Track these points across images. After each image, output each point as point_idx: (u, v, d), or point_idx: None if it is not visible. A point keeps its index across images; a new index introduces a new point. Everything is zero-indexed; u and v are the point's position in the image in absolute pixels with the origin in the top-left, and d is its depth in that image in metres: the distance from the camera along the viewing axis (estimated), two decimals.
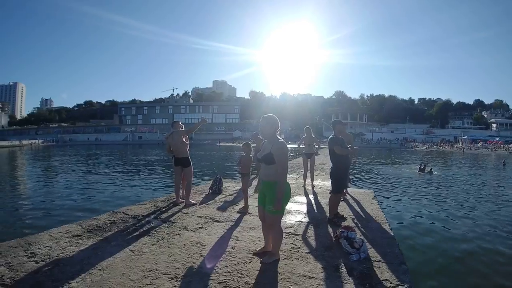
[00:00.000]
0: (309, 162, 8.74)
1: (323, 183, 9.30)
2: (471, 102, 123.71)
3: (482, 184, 15.72)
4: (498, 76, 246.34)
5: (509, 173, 21.20)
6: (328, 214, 5.50)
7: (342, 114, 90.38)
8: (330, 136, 5.47)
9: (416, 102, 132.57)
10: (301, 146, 9.18)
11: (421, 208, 9.63)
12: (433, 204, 10.34)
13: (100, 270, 3.29)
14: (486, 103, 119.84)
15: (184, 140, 6.39)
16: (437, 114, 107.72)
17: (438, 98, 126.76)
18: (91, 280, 3.07)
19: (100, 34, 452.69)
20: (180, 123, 6.70)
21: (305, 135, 8.95)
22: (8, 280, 3.02)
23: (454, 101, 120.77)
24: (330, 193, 5.58)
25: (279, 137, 3.49)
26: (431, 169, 19.45)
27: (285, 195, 3.41)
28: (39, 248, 3.81)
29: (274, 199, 3.32)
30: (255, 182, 7.91)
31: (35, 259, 3.52)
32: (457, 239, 6.86)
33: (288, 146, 3.63)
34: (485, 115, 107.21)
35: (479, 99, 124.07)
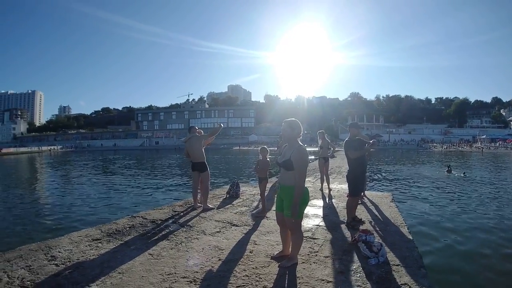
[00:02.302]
0: (324, 166, 8.71)
1: (340, 187, 9.21)
2: (489, 100, 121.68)
3: (504, 185, 15.28)
4: None
5: None
6: (345, 218, 5.45)
7: (358, 116, 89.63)
8: (346, 139, 5.42)
9: (433, 102, 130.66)
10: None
11: (442, 210, 9.39)
12: (457, 206, 10.05)
13: (120, 273, 3.33)
14: (504, 100, 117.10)
15: (204, 144, 6.45)
16: (454, 114, 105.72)
17: (455, 97, 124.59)
18: (111, 283, 3.11)
19: (116, 41, 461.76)
20: (196, 128, 6.74)
21: (320, 139, 8.93)
22: (28, 282, 3.09)
23: (472, 100, 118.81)
24: (347, 196, 5.52)
25: (300, 143, 3.46)
26: (464, 172, 18.70)
27: (303, 199, 3.38)
28: (59, 252, 3.89)
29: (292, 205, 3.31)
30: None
31: (56, 262, 3.59)
32: (479, 243, 6.65)
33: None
34: (503, 113, 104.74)
35: (497, 97, 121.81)
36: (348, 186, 5.39)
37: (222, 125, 7.20)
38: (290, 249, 3.70)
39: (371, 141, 5.51)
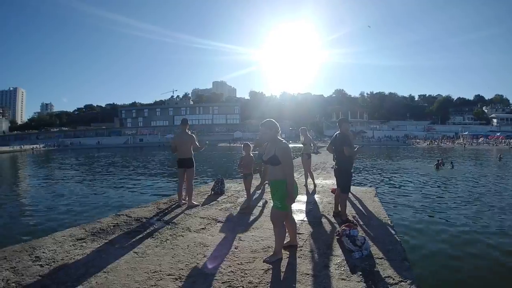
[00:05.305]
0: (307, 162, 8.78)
1: (325, 182, 9.29)
2: (471, 98, 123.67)
3: (486, 178, 15.67)
4: (498, 71, 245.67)
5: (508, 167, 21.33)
6: (329, 213, 5.54)
7: (343, 112, 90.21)
8: (339, 134, 5.34)
9: (416, 99, 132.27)
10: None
11: (426, 204, 9.58)
12: (439, 200, 10.26)
13: (104, 272, 3.31)
14: (486, 98, 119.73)
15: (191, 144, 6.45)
16: (437, 111, 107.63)
17: (438, 94, 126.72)
18: (96, 282, 3.09)
19: (99, 36, 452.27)
20: (188, 123, 6.69)
21: (302, 135, 9.00)
22: (13, 284, 3.04)
23: (455, 97, 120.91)
24: (332, 192, 5.57)
25: (281, 139, 3.57)
26: (451, 162, 19.51)
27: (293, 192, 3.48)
28: (43, 252, 3.84)
29: (283, 196, 3.44)
30: (256, 183, 7.96)
31: (40, 263, 3.55)
32: (460, 236, 6.80)
33: (290, 145, 3.69)
34: (486, 111, 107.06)
35: (479, 95, 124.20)
36: (340, 183, 5.35)
37: (208, 142, 7.38)
38: (294, 238, 3.97)
39: (359, 146, 5.59)
